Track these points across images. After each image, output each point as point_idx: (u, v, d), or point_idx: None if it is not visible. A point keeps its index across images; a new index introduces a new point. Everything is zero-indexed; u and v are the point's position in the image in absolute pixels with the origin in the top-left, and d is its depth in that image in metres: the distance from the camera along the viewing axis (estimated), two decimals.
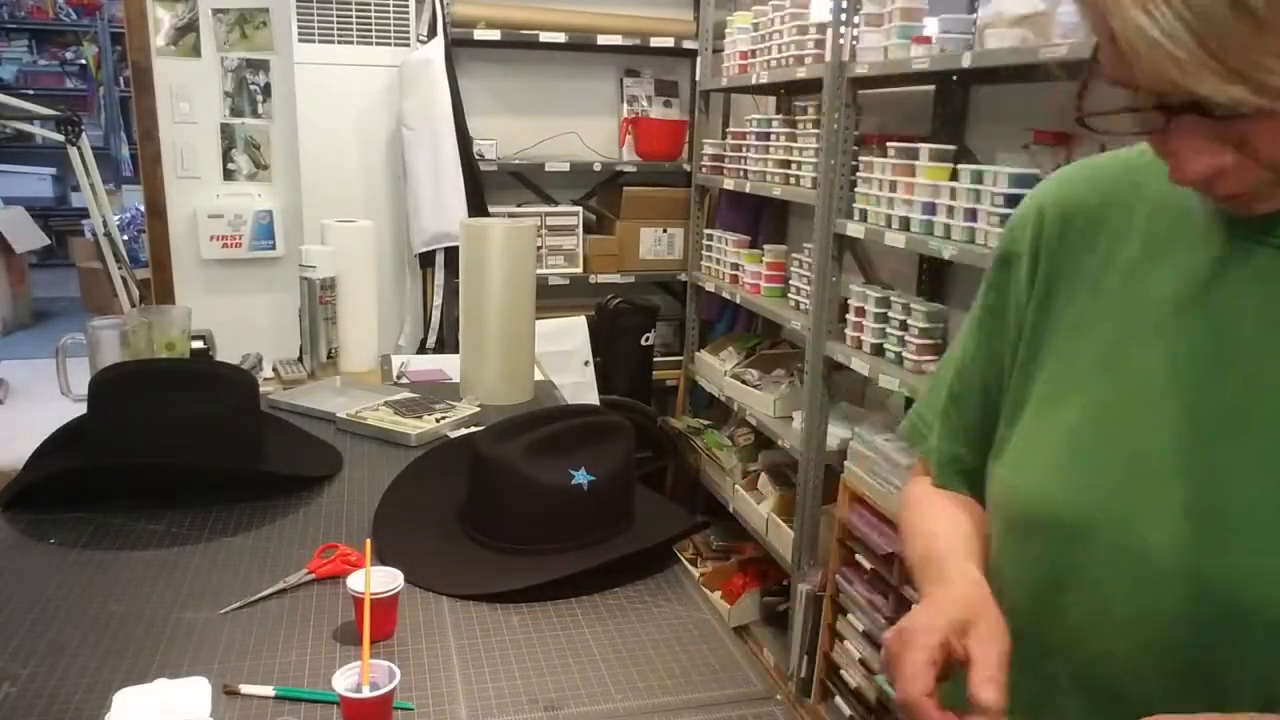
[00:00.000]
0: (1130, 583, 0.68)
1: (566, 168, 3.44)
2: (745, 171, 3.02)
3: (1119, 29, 0.55)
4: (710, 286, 3.31)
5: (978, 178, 1.97)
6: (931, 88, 2.42)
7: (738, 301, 3.10)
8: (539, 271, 3.32)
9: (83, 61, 7.69)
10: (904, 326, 2.22)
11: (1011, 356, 0.82)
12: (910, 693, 0.66)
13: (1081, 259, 0.77)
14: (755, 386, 2.94)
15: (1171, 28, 0.53)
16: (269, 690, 0.94)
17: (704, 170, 3.41)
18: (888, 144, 2.25)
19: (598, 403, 3.12)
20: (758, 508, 2.84)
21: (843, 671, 2.38)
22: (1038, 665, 0.75)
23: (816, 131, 2.56)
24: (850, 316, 2.40)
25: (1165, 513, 0.66)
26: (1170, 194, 0.69)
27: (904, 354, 2.21)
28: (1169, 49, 0.53)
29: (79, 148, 2.28)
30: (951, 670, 0.69)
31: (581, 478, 1.21)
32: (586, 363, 3.24)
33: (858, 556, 2.30)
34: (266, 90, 3.38)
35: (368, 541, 1.05)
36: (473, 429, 1.71)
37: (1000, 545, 0.80)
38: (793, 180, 2.71)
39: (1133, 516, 0.68)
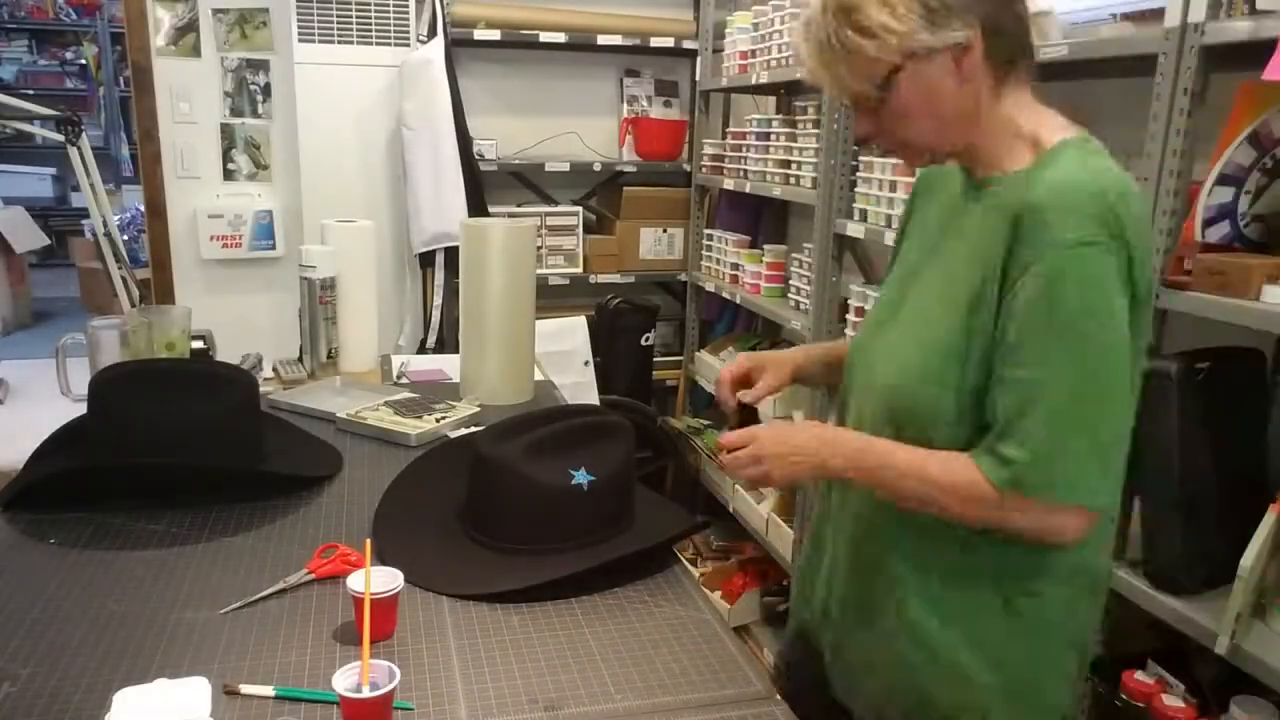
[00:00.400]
0: (860, 381, 1.16)
1: (566, 168, 3.44)
2: (745, 171, 3.02)
3: (809, 74, 1.04)
4: (710, 286, 3.31)
5: None
6: None
7: (738, 301, 3.10)
8: (539, 271, 3.33)
9: (83, 61, 7.69)
10: None
11: (889, 263, 1.28)
12: (721, 374, 1.26)
13: (925, 201, 1.21)
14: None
15: (808, 56, 1.02)
16: (269, 690, 0.94)
17: (704, 170, 3.41)
18: None
19: (598, 403, 3.12)
20: (758, 508, 2.84)
21: None
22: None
23: (816, 131, 2.56)
24: (850, 316, 2.40)
25: (873, 346, 1.15)
26: (955, 179, 1.13)
27: None
28: (822, 79, 1.02)
29: (79, 148, 2.28)
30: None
31: (582, 478, 1.21)
32: (586, 363, 3.24)
33: None
34: (266, 90, 3.38)
35: (368, 541, 1.05)
36: (473, 429, 1.71)
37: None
38: (793, 180, 2.71)
39: (867, 347, 1.16)
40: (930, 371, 1.03)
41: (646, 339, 3.43)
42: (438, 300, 3.33)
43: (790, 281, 2.79)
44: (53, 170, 7.64)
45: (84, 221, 6.88)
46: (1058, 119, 1.06)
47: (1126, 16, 1.77)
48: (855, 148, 2.42)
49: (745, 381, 1.27)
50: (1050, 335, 0.94)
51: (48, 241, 6.32)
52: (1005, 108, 1.03)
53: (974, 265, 1.01)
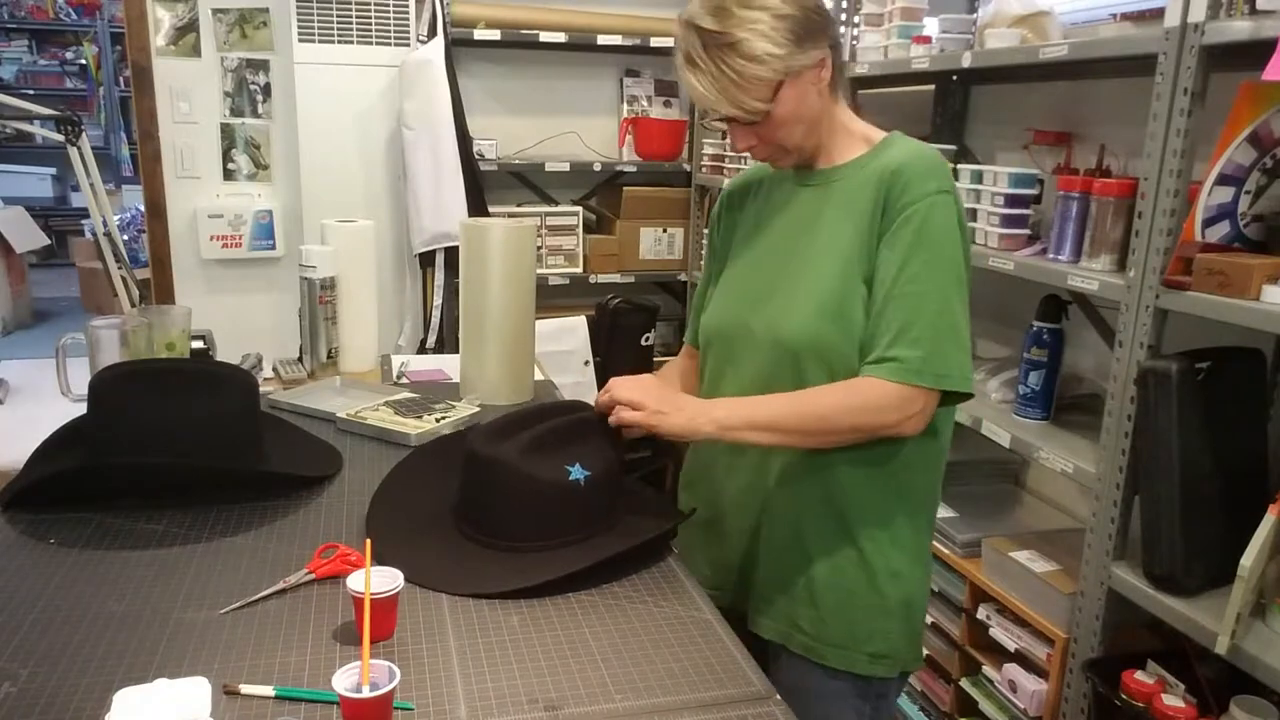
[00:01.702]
0: (749, 351, 1.30)
1: (566, 168, 3.44)
2: None
3: (691, 93, 1.25)
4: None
5: (978, 178, 1.97)
6: (931, 88, 2.42)
7: None
8: (539, 271, 3.33)
9: (83, 61, 7.69)
10: None
11: (716, 269, 1.45)
12: (600, 399, 1.30)
13: (740, 212, 1.43)
14: None
15: (706, 88, 1.21)
16: (269, 690, 0.94)
17: (704, 170, 3.40)
18: None
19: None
20: None
21: None
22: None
23: None
24: None
25: (758, 314, 1.30)
26: (777, 175, 1.37)
27: None
28: (717, 103, 1.21)
29: (79, 148, 2.28)
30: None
31: (578, 473, 1.21)
32: (586, 363, 3.24)
33: None
34: (266, 90, 3.38)
35: (368, 541, 1.05)
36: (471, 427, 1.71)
37: (704, 359, 1.41)
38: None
39: (747, 319, 1.31)
40: (832, 310, 1.22)
41: (646, 339, 3.43)
42: (438, 300, 3.33)
43: None
44: (53, 170, 7.64)
45: (84, 221, 6.89)
46: (870, 122, 1.32)
47: (1126, 16, 1.77)
48: None
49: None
50: (927, 257, 1.17)
51: (48, 241, 6.32)
52: (839, 113, 1.28)
53: (844, 225, 1.24)
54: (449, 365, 2.13)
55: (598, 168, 3.51)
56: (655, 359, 3.54)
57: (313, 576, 1.16)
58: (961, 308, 1.20)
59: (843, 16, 2.35)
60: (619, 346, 3.38)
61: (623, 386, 1.26)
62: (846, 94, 1.30)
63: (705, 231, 3.51)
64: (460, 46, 3.31)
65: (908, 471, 1.27)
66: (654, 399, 1.23)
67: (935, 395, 1.18)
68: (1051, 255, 1.84)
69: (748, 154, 1.30)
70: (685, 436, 1.23)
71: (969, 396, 1.21)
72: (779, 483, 1.30)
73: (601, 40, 3.36)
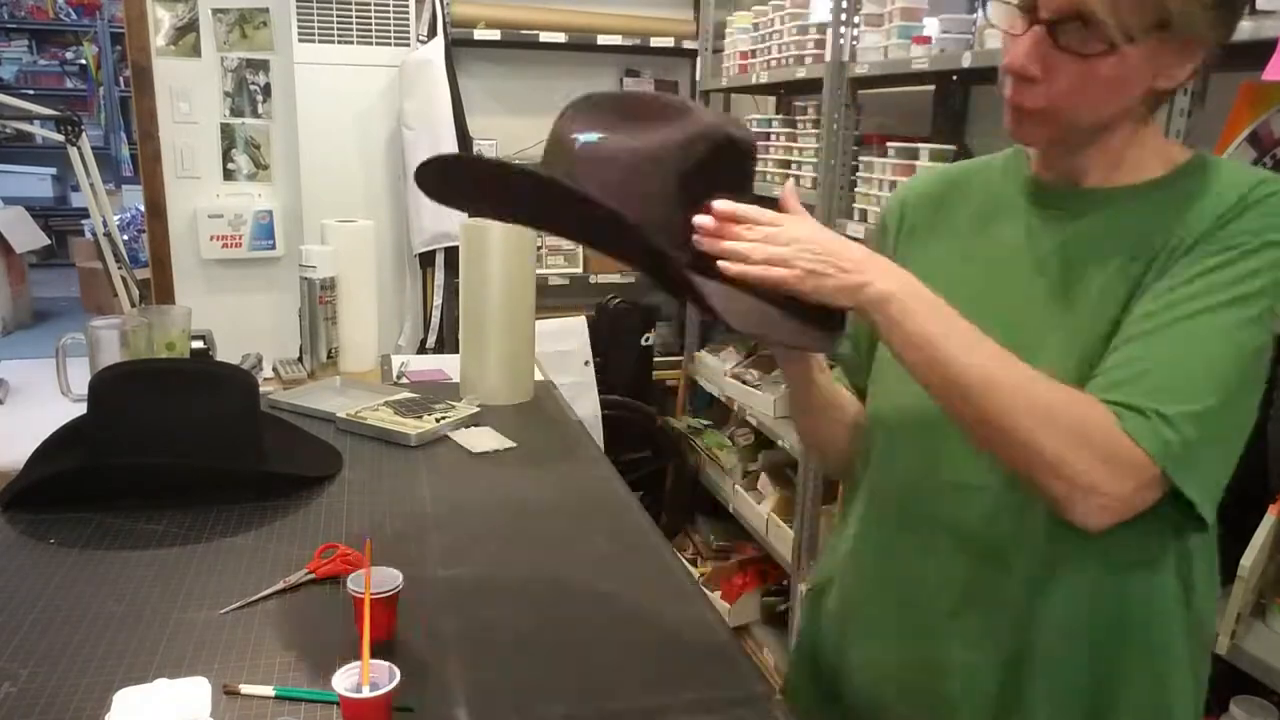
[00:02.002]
0: (920, 449, 0.97)
1: None
2: None
3: None
4: None
5: None
6: (931, 88, 2.42)
7: None
8: (539, 271, 3.32)
9: (83, 61, 7.69)
10: None
11: None
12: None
13: (926, 229, 1.04)
14: (755, 387, 2.94)
15: None
16: (269, 690, 0.94)
17: None
18: (888, 144, 2.25)
19: (597, 403, 3.12)
20: (758, 508, 2.84)
21: None
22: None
23: (816, 131, 2.56)
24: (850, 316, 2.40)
25: None
26: (992, 186, 1.02)
27: None
28: None
29: (79, 148, 2.28)
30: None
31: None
32: (586, 363, 3.24)
33: None
34: (266, 90, 3.38)
35: (368, 541, 1.05)
36: (471, 428, 1.71)
37: (872, 440, 1.04)
38: (793, 180, 2.72)
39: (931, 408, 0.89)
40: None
41: (646, 339, 3.43)
42: (438, 300, 3.33)
43: None
44: (53, 170, 7.64)
45: (84, 221, 6.88)
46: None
47: None
48: (855, 148, 2.42)
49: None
50: (1236, 301, 0.82)
51: (48, 241, 6.32)
52: (1151, 127, 0.91)
53: (1111, 263, 0.88)
54: (449, 365, 2.13)
55: None
56: (655, 359, 3.55)
57: (313, 576, 1.16)
58: (1252, 401, 0.85)
59: (843, 17, 2.35)
60: (619, 347, 3.38)
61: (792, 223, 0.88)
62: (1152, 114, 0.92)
63: None
64: (460, 46, 3.31)
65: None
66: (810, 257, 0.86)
67: (1159, 494, 0.82)
68: None
69: (1008, 83, 0.87)
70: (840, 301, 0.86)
71: (1201, 525, 0.86)
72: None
73: (601, 40, 3.36)
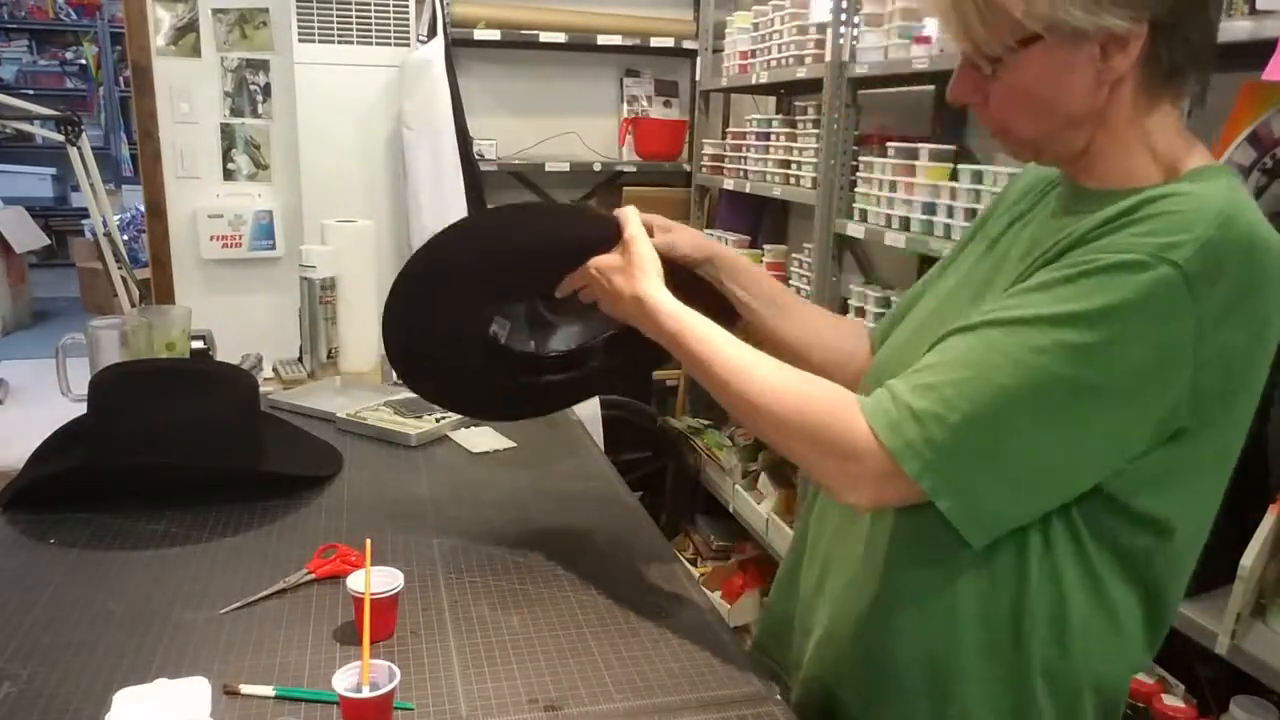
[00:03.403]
0: None
1: (566, 168, 3.44)
2: (745, 171, 3.02)
3: (930, 4, 0.89)
4: None
5: (978, 178, 1.97)
6: (931, 88, 2.42)
7: None
8: None
9: (83, 61, 7.69)
10: None
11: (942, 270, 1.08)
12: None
13: (998, 220, 1.01)
14: None
15: (944, 8, 0.81)
16: (269, 690, 0.94)
17: (704, 170, 3.41)
18: (888, 144, 2.25)
19: (597, 403, 3.12)
20: (758, 508, 2.84)
21: None
22: None
23: (816, 131, 2.56)
24: (850, 317, 2.40)
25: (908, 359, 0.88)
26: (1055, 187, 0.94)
27: None
28: (946, 16, 0.81)
29: (79, 148, 2.28)
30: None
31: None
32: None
33: None
34: (266, 90, 3.38)
35: (368, 541, 1.05)
36: (472, 428, 1.71)
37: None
38: (793, 180, 2.71)
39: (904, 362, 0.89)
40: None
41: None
42: None
43: (790, 281, 2.79)
44: (53, 170, 7.63)
45: (84, 221, 6.88)
46: (1204, 150, 0.84)
47: None
48: (855, 148, 2.42)
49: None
50: (1062, 318, 0.76)
51: (48, 241, 6.32)
52: (1150, 122, 0.82)
53: (1013, 275, 0.86)
54: None
55: (598, 168, 3.51)
56: None
57: (313, 576, 1.16)
58: (1049, 434, 0.77)
59: (843, 17, 2.35)
60: None
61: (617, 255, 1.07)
62: (1178, 103, 0.84)
63: (705, 230, 3.49)
64: (460, 46, 3.31)
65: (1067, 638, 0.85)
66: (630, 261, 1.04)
67: (914, 492, 0.80)
68: None
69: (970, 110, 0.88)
70: (613, 309, 1.04)
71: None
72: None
73: (601, 40, 3.36)
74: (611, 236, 1.08)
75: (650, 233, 1.12)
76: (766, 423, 0.87)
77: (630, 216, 1.08)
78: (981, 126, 0.89)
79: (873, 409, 0.82)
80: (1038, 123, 0.83)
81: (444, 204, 3.18)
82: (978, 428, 0.78)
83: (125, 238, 4.95)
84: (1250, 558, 1.31)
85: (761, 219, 3.37)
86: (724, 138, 3.32)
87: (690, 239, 1.14)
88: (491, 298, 1.18)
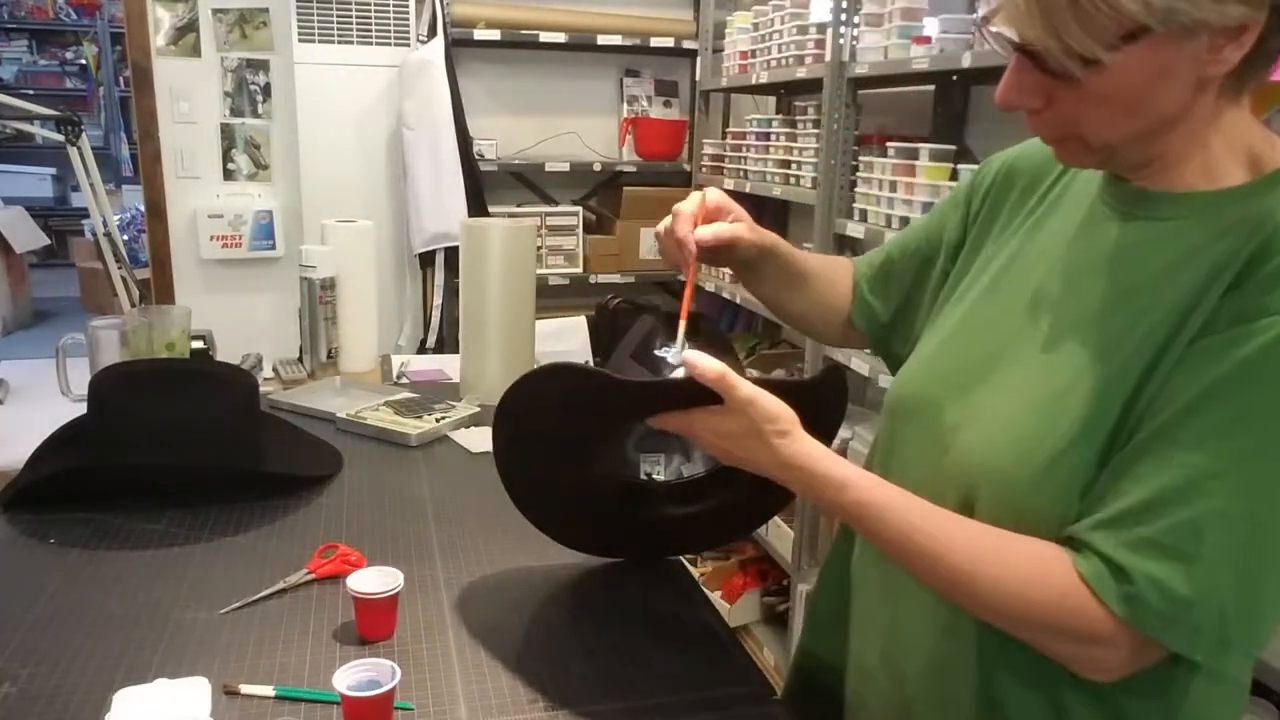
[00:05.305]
0: (929, 443, 0.86)
1: (566, 168, 3.44)
2: (745, 171, 3.02)
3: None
4: (710, 286, 3.31)
5: None
6: (931, 88, 2.42)
7: (738, 301, 3.10)
8: (539, 271, 3.32)
9: (83, 61, 7.69)
10: None
11: (940, 267, 1.01)
12: (679, 208, 1.01)
13: (1011, 209, 0.93)
14: None
15: (1030, 10, 0.68)
16: (269, 690, 0.94)
17: (704, 170, 3.40)
18: (888, 144, 2.25)
19: None
20: None
21: None
22: None
23: (816, 131, 2.56)
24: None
25: (959, 400, 0.84)
26: (1088, 177, 0.85)
27: None
28: (1027, 15, 0.68)
29: (79, 148, 2.28)
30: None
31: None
32: (586, 363, 3.24)
33: None
34: (266, 90, 3.38)
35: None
36: (471, 428, 1.71)
37: (884, 424, 0.96)
38: (793, 180, 2.71)
39: (943, 402, 0.85)
40: (1061, 461, 0.74)
41: None
42: (438, 300, 3.33)
43: None
44: (53, 170, 7.63)
45: (84, 221, 6.88)
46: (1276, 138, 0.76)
47: None
48: (855, 148, 2.42)
49: (712, 220, 1.01)
50: (1256, 424, 0.67)
51: (48, 241, 6.32)
52: (1227, 117, 0.74)
53: (1145, 297, 0.74)
54: (449, 365, 2.13)
55: (598, 168, 3.51)
56: None
57: (313, 576, 1.16)
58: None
59: (843, 17, 2.35)
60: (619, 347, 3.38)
61: (715, 415, 0.83)
62: (1255, 87, 0.74)
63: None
64: (460, 46, 3.31)
65: None
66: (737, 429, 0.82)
67: (1161, 650, 0.70)
68: None
69: (1020, 116, 0.77)
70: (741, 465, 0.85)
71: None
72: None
73: (601, 40, 3.36)
74: (698, 393, 0.84)
75: (716, 215, 1.01)
76: (989, 617, 0.77)
77: (724, 374, 0.82)
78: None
79: (1100, 586, 0.70)
80: (1122, 126, 0.72)
81: (444, 204, 3.19)
82: (1229, 570, 0.68)
83: (125, 238, 4.96)
84: None
85: (761, 219, 3.35)
86: (724, 138, 3.32)
87: (750, 232, 1.03)
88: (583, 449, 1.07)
